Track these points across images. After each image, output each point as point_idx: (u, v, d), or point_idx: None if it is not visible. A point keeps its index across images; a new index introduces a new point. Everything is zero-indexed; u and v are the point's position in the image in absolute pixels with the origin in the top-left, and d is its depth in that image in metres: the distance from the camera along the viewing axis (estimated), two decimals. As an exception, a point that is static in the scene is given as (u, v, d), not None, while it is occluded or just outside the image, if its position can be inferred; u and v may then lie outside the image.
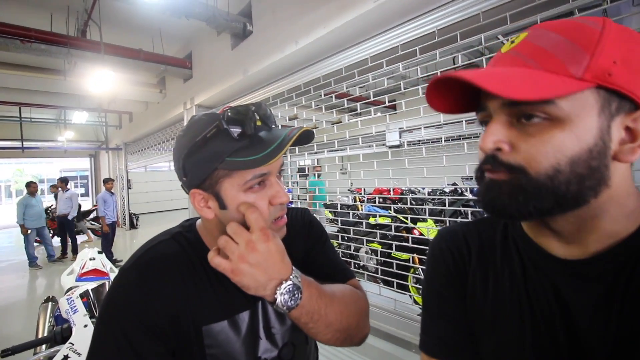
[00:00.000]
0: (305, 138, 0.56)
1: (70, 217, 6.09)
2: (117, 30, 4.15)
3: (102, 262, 1.89)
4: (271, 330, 0.63)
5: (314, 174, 5.18)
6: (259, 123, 0.55)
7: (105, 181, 5.90)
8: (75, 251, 6.12)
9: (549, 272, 0.42)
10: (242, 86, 3.54)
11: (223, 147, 0.52)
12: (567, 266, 0.41)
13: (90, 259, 1.86)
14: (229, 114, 0.53)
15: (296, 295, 0.53)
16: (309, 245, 0.72)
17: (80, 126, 9.98)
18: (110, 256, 5.38)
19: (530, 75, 0.35)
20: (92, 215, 7.98)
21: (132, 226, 9.42)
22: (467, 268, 0.50)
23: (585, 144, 0.35)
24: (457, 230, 0.54)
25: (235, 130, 0.52)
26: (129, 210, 9.35)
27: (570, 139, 0.35)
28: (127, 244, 7.68)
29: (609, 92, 0.35)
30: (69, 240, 6.19)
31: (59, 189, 6.26)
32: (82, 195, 17.52)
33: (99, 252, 2.01)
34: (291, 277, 0.54)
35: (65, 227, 6.14)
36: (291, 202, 4.27)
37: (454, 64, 1.93)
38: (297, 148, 3.13)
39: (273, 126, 0.58)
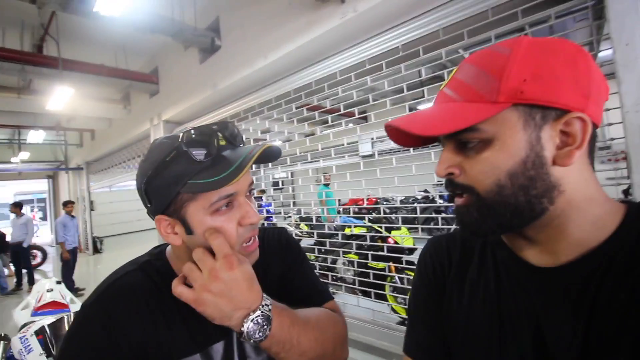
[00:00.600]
0: (269, 155, 0.55)
1: (25, 245, 5.63)
2: (76, 45, 3.97)
3: (61, 293, 1.74)
4: (254, 357, 0.60)
5: (324, 183, 5.13)
6: (223, 142, 0.53)
7: (65, 204, 5.55)
8: (31, 282, 5.66)
9: (521, 279, 0.44)
10: (211, 101, 3.49)
11: (184, 170, 0.50)
12: (538, 273, 0.42)
13: (47, 290, 1.70)
14: (191, 135, 0.51)
15: (265, 327, 0.50)
16: (286, 267, 0.70)
17: (36, 146, 9.35)
18: (71, 285, 4.99)
19: (452, 109, 0.40)
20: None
21: (96, 250, 8.88)
22: (445, 280, 0.52)
23: (518, 157, 0.38)
24: (442, 241, 0.56)
25: (197, 152, 0.50)
26: (92, 233, 8.81)
27: (502, 156, 0.38)
28: (91, 270, 7.19)
29: (528, 106, 0.37)
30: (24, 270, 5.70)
31: (14, 213, 5.81)
32: (40, 219, 16.28)
33: (58, 282, 1.86)
34: (261, 306, 0.51)
35: (20, 255, 5.66)
36: (270, 218, 4.20)
37: (420, 76, 2.00)
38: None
39: (240, 145, 0.56)
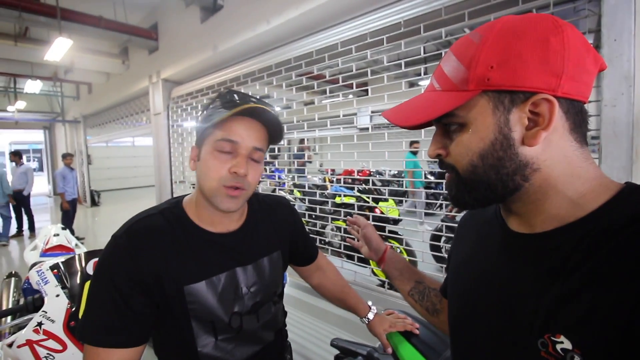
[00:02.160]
0: (270, 120, 0.70)
1: (25, 193, 5.75)
2: (74, -6, 3.84)
3: (66, 238, 1.88)
4: (246, 290, 0.75)
5: (411, 151, 5.16)
6: (237, 99, 0.68)
7: (64, 156, 5.60)
8: (32, 229, 5.84)
9: (501, 241, 0.49)
10: (212, 62, 3.46)
11: (213, 112, 0.67)
12: (513, 237, 0.46)
13: (54, 235, 1.84)
14: (225, 93, 0.69)
15: None
16: (296, 236, 0.91)
17: (32, 96, 9.18)
18: (71, 233, 5.19)
19: (431, 98, 0.45)
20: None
21: (94, 203, 9.04)
22: (467, 235, 0.60)
23: (488, 140, 0.41)
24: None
25: (223, 101, 0.67)
26: (89, 186, 8.93)
27: (474, 138, 0.42)
28: (89, 222, 7.39)
29: (496, 92, 0.40)
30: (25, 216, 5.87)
31: (14, 162, 5.85)
32: (36, 170, 16.32)
33: (63, 228, 1.99)
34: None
35: (21, 203, 5.79)
36: (284, 185, 4.32)
37: (422, 53, 2.02)
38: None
39: (252, 101, 0.70)
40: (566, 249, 0.39)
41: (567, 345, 0.36)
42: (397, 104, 0.50)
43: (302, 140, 4.15)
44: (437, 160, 0.48)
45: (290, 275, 2.39)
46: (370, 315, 0.97)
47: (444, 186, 0.50)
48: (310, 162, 5.10)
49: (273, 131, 0.72)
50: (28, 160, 17.52)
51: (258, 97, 0.73)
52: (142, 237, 0.66)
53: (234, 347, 0.74)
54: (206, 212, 0.72)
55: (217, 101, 0.68)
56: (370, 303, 1.01)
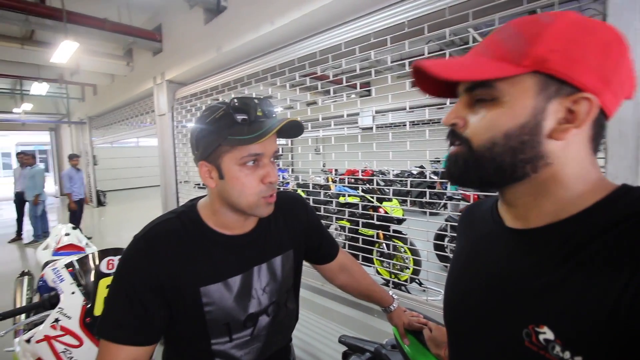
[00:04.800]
0: (294, 127, 0.69)
1: (29, 198, 5.76)
2: (79, -3, 3.89)
3: (77, 238, 1.92)
4: (261, 291, 0.77)
5: None
6: (259, 113, 0.67)
7: (71, 157, 5.66)
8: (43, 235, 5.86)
9: (497, 233, 0.49)
10: (215, 63, 3.49)
11: (227, 127, 0.65)
12: (507, 232, 0.47)
13: (65, 235, 1.88)
14: (236, 102, 0.66)
15: None
16: (310, 224, 0.91)
17: (39, 98, 9.29)
18: (78, 233, 5.24)
19: (478, 62, 0.42)
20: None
21: (100, 203, 9.12)
22: (464, 231, 0.62)
23: (519, 121, 0.40)
24: (475, 203, 0.63)
25: (239, 115, 0.65)
26: (95, 187, 9.02)
27: (506, 116, 0.40)
28: (95, 222, 7.47)
29: (547, 77, 0.39)
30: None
31: (21, 164, 5.70)
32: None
33: (74, 228, 2.03)
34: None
35: (23, 206, 5.73)
36: (287, 184, 4.35)
37: (427, 54, 2.03)
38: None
39: (273, 116, 0.70)
40: (556, 244, 0.40)
41: (550, 335, 0.37)
42: (432, 59, 0.44)
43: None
44: (449, 136, 0.46)
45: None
46: (394, 305, 1.00)
47: (447, 160, 0.48)
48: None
49: (289, 132, 0.71)
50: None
51: (262, 97, 0.72)
52: (159, 241, 0.68)
53: (246, 352, 0.76)
54: (225, 218, 0.73)
55: (227, 115, 0.65)
56: (391, 293, 1.03)
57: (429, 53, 2.02)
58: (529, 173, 0.41)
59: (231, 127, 0.65)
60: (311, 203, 3.16)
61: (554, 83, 0.39)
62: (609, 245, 0.35)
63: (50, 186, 12.52)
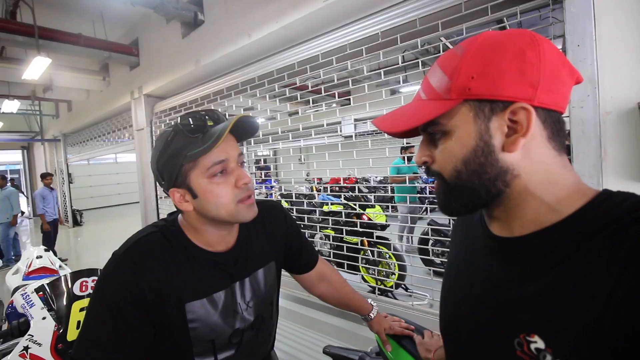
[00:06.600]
0: (246, 124, 0.68)
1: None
2: (52, 12, 3.81)
3: (50, 260, 1.84)
4: (245, 305, 0.76)
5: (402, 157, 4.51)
6: (210, 123, 0.67)
7: (43, 176, 5.45)
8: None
9: (486, 241, 0.51)
10: (194, 76, 3.47)
11: (182, 145, 0.64)
12: (494, 240, 0.48)
13: (37, 257, 1.79)
14: (185, 118, 0.65)
15: None
16: (290, 234, 0.89)
17: (9, 116, 8.91)
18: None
19: (418, 106, 0.47)
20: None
21: (76, 223, 8.78)
22: (457, 239, 0.63)
23: (470, 145, 0.43)
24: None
25: (190, 130, 0.64)
26: (71, 206, 8.68)
27: (457, 145, 0.43)
28: (71, 243, 7.16)
29: (477, 101, 0.42)
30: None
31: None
32: (13, 191, 15.64)
33: (46, 250, 1.94)
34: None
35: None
36: (271, 196, 4.30)
37: (402, 62, 2.09)
38: (252, 140, 3.17)
39: (224, 121, 0.69)
40: (542, 252, 0.40)
41: (540, 344, 0.37)
42: (389, 111, 0.51)
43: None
44: (426, 173, 0.49)
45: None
46: (373, 314, 1.00)
47: (435, 194, 0.52)
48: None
49: (245, 131, 0.71)
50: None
51: (209, 108, 0.71)
52: (143, 254, 0.66)
53: None
54: (207, 235, 0.72)
55: (178, 136, 0.65)
56: (370, 301, 1.03)
57: (404, 62, 2.08)
58: (503, 189, 0.42)
59: (187, 145, 0.64)
60: (295, 213, 3.17)
61: (485, 104, 0.41)
62: (594, 252, 0.36)
63: (23, 207, 11.98)
